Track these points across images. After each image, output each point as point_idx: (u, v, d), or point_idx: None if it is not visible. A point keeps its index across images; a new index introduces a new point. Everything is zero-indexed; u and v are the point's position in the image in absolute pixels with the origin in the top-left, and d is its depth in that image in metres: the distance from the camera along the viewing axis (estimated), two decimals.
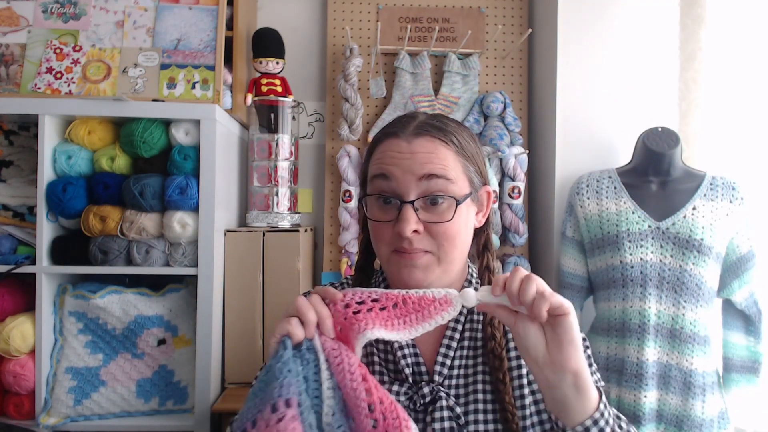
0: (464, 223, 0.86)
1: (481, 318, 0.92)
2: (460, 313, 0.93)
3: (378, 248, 0.88)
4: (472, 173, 0.87)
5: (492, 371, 0.88)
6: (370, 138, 1.94)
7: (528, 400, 0.89)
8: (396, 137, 0.85)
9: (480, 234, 0.95)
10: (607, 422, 0.75)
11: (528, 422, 0.88)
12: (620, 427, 0.78)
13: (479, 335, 0.92)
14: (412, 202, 0.82)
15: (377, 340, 0.96)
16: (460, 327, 0.93)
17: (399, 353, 0.91)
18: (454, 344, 0.93)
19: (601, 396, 0.76)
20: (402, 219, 0.81)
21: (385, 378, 0.92)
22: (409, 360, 0.91)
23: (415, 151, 0.83)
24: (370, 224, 0.88)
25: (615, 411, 0.80)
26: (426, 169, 0.82)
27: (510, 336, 0.93)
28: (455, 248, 0.85)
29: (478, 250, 0.96)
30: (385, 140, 0.87)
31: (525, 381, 0.90)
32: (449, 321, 0.93)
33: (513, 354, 0.92)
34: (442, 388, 0.88)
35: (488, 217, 0.93)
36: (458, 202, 0.83)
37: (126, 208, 1.55)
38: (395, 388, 0.89)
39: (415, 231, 0.82)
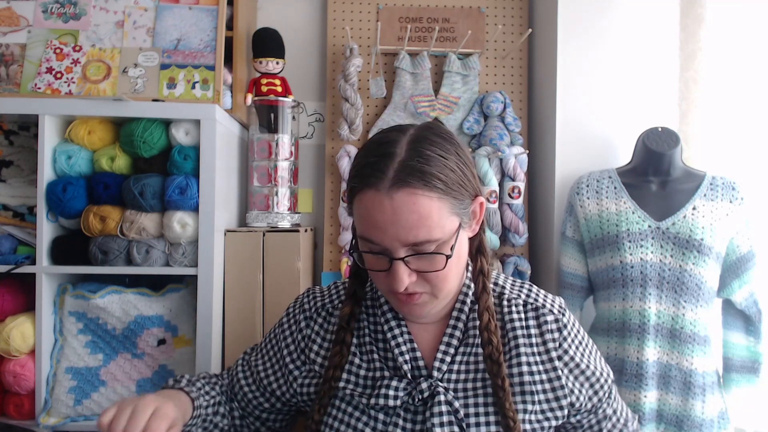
0: (456, 256, 0.85)
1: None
2: (462, 305, 0.94)
3: (376, 284, 0.91)
4: (460, 207, 0.83)
5: (491, 377, 0.88)
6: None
7: (529, 406, 0.89)
8: (376, 190, 0.79)
9: (473, 238, 0.94)
10: None
11: (528, 427, 0.88)
12: None
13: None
14: (402, 258, 0.81)
15: (377, 337, 0.96)
16: (461, 324, 0.93)
17: (396, 350, 0.92)
18: (455, 341, 0.93)
19: None
20: (394, 277, 0.81)
21: (386, 374, 0.92)
22: (407, 356, 0.91)
23: (398, 211, 0.78)
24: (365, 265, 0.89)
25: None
26: (411, 237, 0.79)
27: (508, 337, 0.93)
28: (450, 283, 0.87)
29: (472, 253, 0.96)
30: (365, 191, 0.81)
31: (527, 388, 0.90)
32: (451, 315, 0.94)
33: (514, 360, 0.92)
34: (440, 383, 0.89)
35: (482, 222, 0.92)
36: (449, 257, 0.82)
37: (126, 208, 1.55)
38: (394, 383, 0.89)
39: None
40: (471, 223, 0.89)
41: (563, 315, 0.96)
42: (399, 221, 0.78)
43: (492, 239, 1.91)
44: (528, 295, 0.97)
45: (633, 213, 1.58)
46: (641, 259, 1.53)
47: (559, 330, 0.94)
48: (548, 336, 0.93)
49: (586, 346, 0.99)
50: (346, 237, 1.94)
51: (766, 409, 1.59)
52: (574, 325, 0.97)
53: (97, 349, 1.56)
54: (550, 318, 0.94)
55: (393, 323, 0.94)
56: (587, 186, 1.67)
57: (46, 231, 1.53)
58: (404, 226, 0.78)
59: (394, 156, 0.80)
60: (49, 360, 1.54)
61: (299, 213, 1.93)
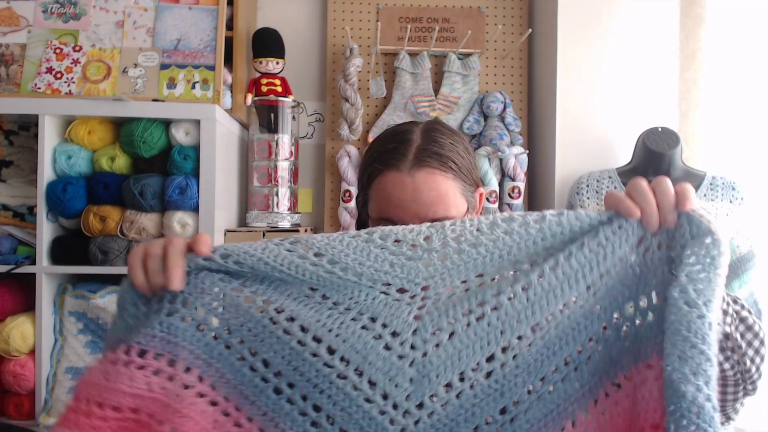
0: None
1: None
2: None
3: None
4: (468, 191, 0.89)
5: None
6: (371, 138, 1.94)
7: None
8: (397, 170, 0.85)
9: None
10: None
11: None
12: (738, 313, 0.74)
13: None
14: None
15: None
16: None
17: None
18: None
19: None
20: None
21: None
22: None
23: (419, 189, 0.83)
24: None
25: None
26: (431, 214, 0.84)
27: None
28: None
29: None
30: (386, 173, 0.86)
31: None
32: None
33: None
34: None
35: (479, 213, 0.97)
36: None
37: (126, 208, 1.55)
38: None
39: None
40: (473, 212, 0.93)
41: None
42: (420, 198, 0.83)
43: None
44: None
45: None
46: None
47: None
48: None
49: None
50: None
51: (766, 409, 1.59)
52: None
53: (97, 349, 1.56)
54: None
55: None
56: (587, 186, 1.67)
57: (46, 231, 1.53)
58: (424, 202, 0.83)
59: (411, 142, 0.87)
60: (49, 360, 1.54)
61: (299, 213, 1.93)
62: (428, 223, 0.66)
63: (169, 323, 0.61)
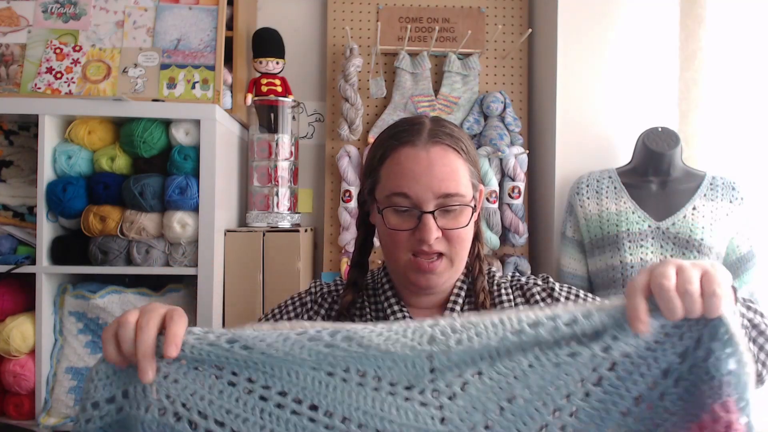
0: (472, 226, 0.92)
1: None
2: (459, 290, 0.96)
3: (394, 254, 0.91)
4: (474, 178, 0.92)
5: None
6: (371, 138, 1.94)
7: None
8: (412, 145, 0.88)
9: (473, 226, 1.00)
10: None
11: None
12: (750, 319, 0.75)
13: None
14: (432, 212, 0.86)
15: (368, 314, 0.98)
16: (458, 308, 0.95)
17: None
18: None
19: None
20: (425, 228, 0.86)
21: None
22: None
23: (433, 162, 0.86)
24: (387, 232, 0.91)
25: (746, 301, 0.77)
26: (443, 188, 0.86)
27: (502, 299, 0.96)
28: (465, 249, 0.92)
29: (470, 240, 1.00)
30: (401, 149, 0.88)
31: None
32: (449, 300, 0.96)
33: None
34: None
35: (479, 211, 0.98)
36: (474, 210, 0.89)
37: (126, 208, 1.55)
38: None
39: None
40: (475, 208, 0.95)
41: (548, 283, 0.99)
42: (433, 171, 0.86)
43: (492, 239, 1.91)
44: (513, 276, 1.04)
45: (633, 213, 1.58)
46: (641, 259, 1.53)
47: (549, 295, 0.97)
48: (537, 306, 0.95)
49: (577, 296, 0.99)
50: (346, 237, 1.94)
51: (766, 409, 1.59)
52: (562, 287, 0.99)
53: (97, 349, 1.56)
54: (536, 290, 0.98)
55: (396, 307, 0.96)
56: (587, 186, 1.67)
57: (46, 231, 1.53)
58: (437, 176, 0.86)
59: (424, 125, 0.91)
60: (49, 360, 1.54)
61: (299, 213, 1.93)
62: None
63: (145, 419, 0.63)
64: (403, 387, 0.62)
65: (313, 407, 0.62)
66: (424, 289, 0.91)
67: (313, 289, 1.06)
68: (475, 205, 0.91)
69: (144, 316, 0.64)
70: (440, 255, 0.89)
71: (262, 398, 0.63)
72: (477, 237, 1.00)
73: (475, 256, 0.99)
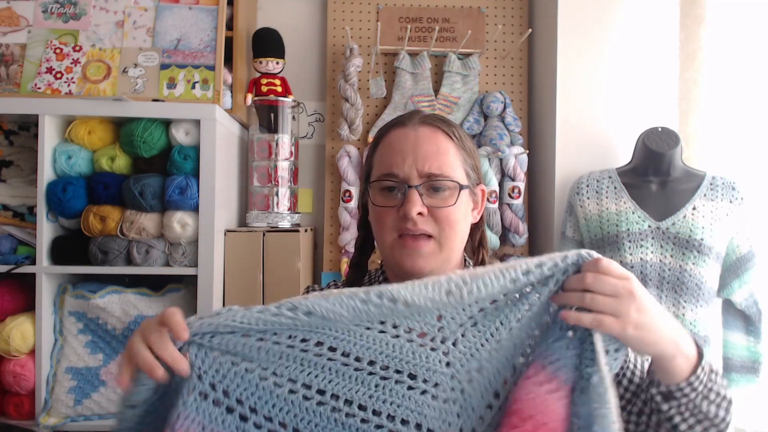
0: (464, 212, 0.91)
1: None
2: None
3: (381, 236, 0.90)
4: (469, 168, 0.92)
5: None
6: (371, 138, 1.94)
7: None
8: (402, 126, 0.91)
9: (475, 231, 0.99)
10: (699, 387, 0.72)
11: None
12: (715, 392, 0.74)
13: None
14: (416, 186, 0.86)
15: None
16: None
17: None
18: None
19: (701, 357, 0.72)
20: (408, 201, 0.86)
21: None
22: None
23: (420, 140, 0.88)
24: (374, 211, 0.91)
25: (715, 372, 0.75)
26: (427, 167, 0.87)
27: None
28: (456, 235, 0.89)
29: (474, 246, 1.00)
30: (392, 130, 0.92)
31: None
32: None
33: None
34: None
35: (482, 216, 0.97)
36: (461, 187, 0.88)
37: (126, 208, 1.55)
38: None
39: (419, 213, 0.86)
40: (475, 203, 0.94)
41: None
42: (419, 149, 0.88)
43: (492, 239, 1.91)
44: None
45: (633, 213, 1.58)
46: (641, 259, 1.53)
47: None
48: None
49: None
50: (346, 237, 1.94)
51: (766, 409, 1.59)
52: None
53: (97, 349, 1.56)
54: None
55: None
56: (587, 186, 1.67)
57: (46, 231, 1.53)
58: (423, 154, 0.87)
59: (417, 112, 0.94)
60: (49, 360, 1.54)
61: (299, 213, 1.93)
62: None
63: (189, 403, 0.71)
64: (417, 335, 0.72)
65: (345, 354, 0.72)
66: (411, 273, 0.86)
67: (310, 291, 1.07)
68: (468, 189, 0.90)
69: (145, 335, 0.73)
70: (429, 237, 0.87)
71: (317, 354, 0.73)
72: (482, 243, 0.99)
73: (479, 262, 0.98)
